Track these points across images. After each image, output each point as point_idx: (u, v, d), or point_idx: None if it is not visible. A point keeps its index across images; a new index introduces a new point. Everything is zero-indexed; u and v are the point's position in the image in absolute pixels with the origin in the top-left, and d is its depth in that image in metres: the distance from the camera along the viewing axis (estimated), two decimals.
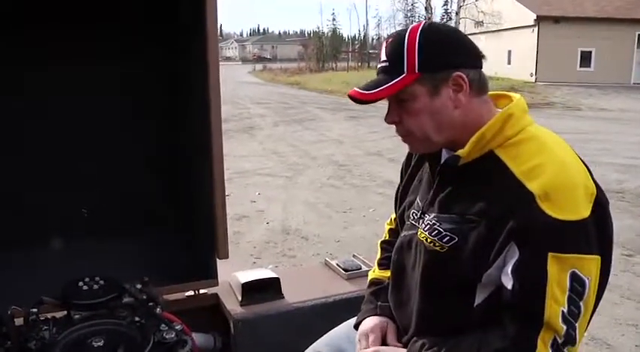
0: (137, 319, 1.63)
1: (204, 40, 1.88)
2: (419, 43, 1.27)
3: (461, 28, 30.28)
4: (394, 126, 1.36)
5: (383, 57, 1.32)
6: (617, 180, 8.58)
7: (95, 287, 1.70)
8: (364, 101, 1.31)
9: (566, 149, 1.28)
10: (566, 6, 32.03)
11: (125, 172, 2.12)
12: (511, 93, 1.40)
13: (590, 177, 1.24)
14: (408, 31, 1.30)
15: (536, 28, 31.09)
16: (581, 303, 1.15)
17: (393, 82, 1.26)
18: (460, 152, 1.28)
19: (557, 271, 1.13)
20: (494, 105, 1.36)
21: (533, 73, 31.00)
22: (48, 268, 1.86)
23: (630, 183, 8.43)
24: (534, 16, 30.79)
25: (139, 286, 1.75)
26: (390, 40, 1.33)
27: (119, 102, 2.10)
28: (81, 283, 1.71)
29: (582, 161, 1.28)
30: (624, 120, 17.26)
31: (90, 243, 2.01)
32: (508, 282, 1.17)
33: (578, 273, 1.14)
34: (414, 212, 1.45)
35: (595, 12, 31.56)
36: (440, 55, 1.29)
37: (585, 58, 31.45)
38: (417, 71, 1.26)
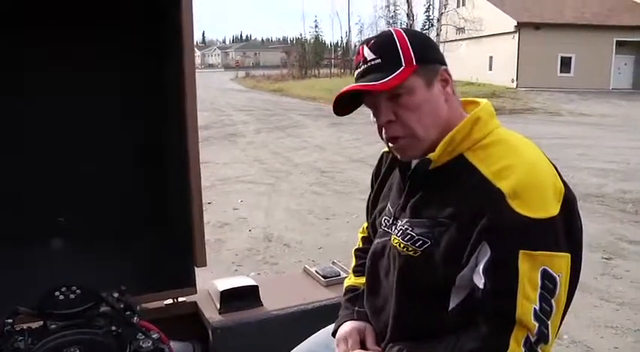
0: (114, 328, 1.62)
1: (180, 47, 1.88)
2: (409, 39, 1.30)
3: (442, 35, 30.55)
4: (377, 133, 1.36)
5: (371, 56, 1.31)
6: (597, 185, 8.67)
7: (72, 296, 1.69)
8: (357, 102, 1.35)
9: (534, 149, 1.30)
10: (546, 13, 32.43)
11: (101, 181, 2.10)
12: (478, 99, 1.43)
13: (558, 176, 1.26)
14: (392, 31, 1.34)
15: (516, 35, 31.43)
16: (552, 301, 1.16)
17: (395, 73, 1.27)
18: (431, 155, 1.30)
19: (528, 269, 1.14)
20: (463, 110, 1.38)
21: (515, 79, 31.31)
22: (24, 277, 1.84)
23: (609, 188, 8.53)
24: (515, 23, 31.15)
25: (116, 295, 1.74)
26: (374, 40, 1.34)
27: (93, 110, 2.09)
28: (57, 293, 1.69)
29: (550, 161, 1.30)
30: (604, 125, 17.47)
31: (67, 251, 1.99)
32: (480, 281, 1.18)
33: (549, 271, 1.15)
34: (385, 219, 1.46)
35: (574, 18, 31.98)
36: (429, 50, 1.34)
37: (565, 64, 31.86)
38: (414, 63, 1.28)
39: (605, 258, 5.46)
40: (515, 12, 32.02)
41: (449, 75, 1.33)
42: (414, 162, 1.37)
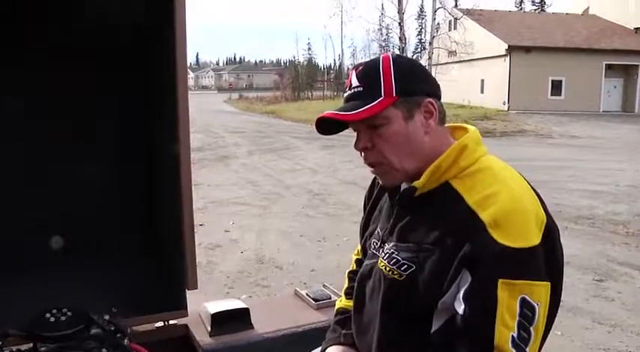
0: (104, 351, 1.62)
1: (174, 70, 1.89)
2: (394, 69, 1.32)
3: (434, 58, 30.78)
4: (362, 154, 1.38)
5: (355, 83, 1.34)
6: (588, 206, 8.72)
7: (62, 318, 1.69)
8: (341, 124, 1.36)
9: (518, 179, 1.32)
10: (537, 36, 32.79)
11: (94, 202, 2.11)
12: (466, 125, 1.44)
13: (541, 205, 1.27)
14: (381, 58, 1.35)
15: (508, 58, 31.68)
16: (531, 329, 1.17)
17: (372, 104, 1.29)
18: (416, 183, 1.32)
19: (507, 297, 1.15)
20: (451, 136, 1.40)
21: (506, 102, 31.50)
22: (14, 299, 1.83)
23: (600, 210, 8.57)
24: (506, 46, 31.40)
25: (107, 317, 1.74)
26: (362, 67, 1.36)
27: (84, 135, 2.10)
28: (48, 314, 1.69)
29: (534, 190, 1.32)
30: (594, 147, 17.60)
31: (59, 273, 1.99)
32: (459, 307, 1.20)
33: (528, 299, 1.16)
34: (374, 241, 1.48)
35: (564, 42, 32.34)
36: (413, 81, 1.34)
37: (556, 87, 32.13)
38: (394, 95, 1.30)
39: (597, 280, 5.47)
40: (506, 36, 32.34)
41: (434, 106, 1.34)
42: (403, 187, 1.39)
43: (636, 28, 34.88)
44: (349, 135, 1.45)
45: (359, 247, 1.76)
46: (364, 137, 1.35)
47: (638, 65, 32.44)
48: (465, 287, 1.19)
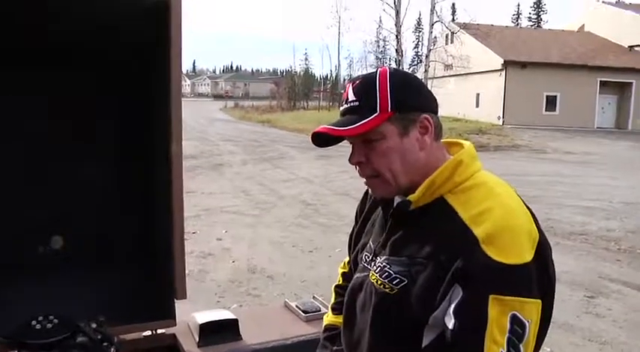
0: None
1: (167, 78, 1.89)
2: (390, 84, 1.31)
3: (430, 71, 30.89)
4: (357, 167, 1.38)
5: (351, 97, 1.33)
6: (581, 223, 8.74)
7: (48, 326, 1.67)
8: (336, 137, 1.34)
9: (512, 195, 1.31)
10: (533, 52, 33.01)
11: (83, 210, 2.09)
12: (462, 141, 1.43)
13: (534, 222, 1.27)
14: (378, 73, 1.34)
15: (503, 72, 31.86)
16: (521, 346, 1.16)
17: (367, 119, 1.28)
18: (411, 197, 1.31)
19: (498, 313, 1.14)
20: (447, 152, 1.40)
21: (501, 116, 31.64)
22: (1, 305, 1.82)
23: (593, 226, 8.59)
24: (502, 61, 31.59)
25: (94, 325, 1.72)
26: (358, 81, 1.35)
27: (77, 137, 2.08)
28: (34, 322, 1.67)
29: (527, 207, 1.31)
30: (588, 163, 17.67)
31: (46, 280, 1.97)
32: (449, 322, 1.18)
33: (519, 316, 1.15)
34: (366, 254, 1.46)
35: (560, 58, 32.58)
36: (410, 97, 1.33)
37: (551, 103, 32.34)
38: (389, 110, 1.29)
39: (588, 297, 5.48)
40: (502, 50, 32.56)
41: (430, 122, 1.33)
42: (397, 201, 1.38)
43: (630, 46, 35.22)
44: (345, 145, 1.45)
45: (346, 260, 1.75)
46: (359, 151, 1.34)
47: (632, 82, 32.75)
48: (456, 301, 1.18)
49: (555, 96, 32.22)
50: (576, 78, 31.73)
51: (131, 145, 2.14)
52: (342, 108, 1.37)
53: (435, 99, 1.40)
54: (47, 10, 1.92)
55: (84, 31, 1.96)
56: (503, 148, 21.38)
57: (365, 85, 1.33)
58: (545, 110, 32.21)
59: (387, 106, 1.29)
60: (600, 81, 32.57)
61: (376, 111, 1.29)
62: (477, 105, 34.77)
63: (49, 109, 2.03)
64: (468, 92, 35.11)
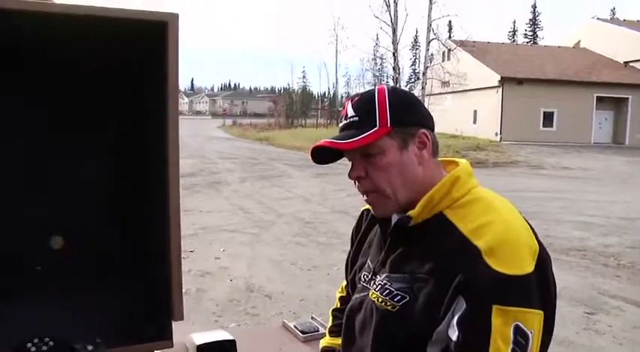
0: None
1: (165, 96, 1.88)
2: (389, 100, 1.33)
3: (428, 88, 31.05)
4: (356, 183, 1.39)
5: (351, 113, 1.36)
6: (579, 238, 8.73)
7: (44, 348, 1.65)
8: (336, 153, 1.37)
9: (511, 209, 1.32)
10: (529, 68, 33.24)
11: (78, 229, 2.08)
12: (457, 159, 1.45)
13: (533, 235, 1.27)
14: (376, 90, 1.37)
15: (500, 89, 32.01)
16: None
17: (367, 133, 1.30)
18: (411, 213, 1.31)
19: (501, 324, 1.14)
20: (443, 169, 1.41)
21: (498, 132, 31.75)
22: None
23: (591, 241, 8.58)
24: (498, 77, 31.77)
25: (90, 347, 1.70)
26: (358, 98, 1.38)
27: (63, 159, 2.08)
28: (29, 344, 1.65)
29: (526, 220, 1.32)
30: (585, 179, 17.71)
31: (42, 302, 1.95)
32: (453, 334, 1.18)
33: (522, 327, 1.15)
34: (365, 274, 1.46)
35: (556, 74, 32.79)
36: (408, 112, 1.35)
37: (548, 118, 32.49)
38: (389, 125, 1.31)
39: (588, 313, 5.45)
40: (499, 67, 32.76)
41: (428, 138, 1.35)
42: (394, 219, 1.38)
43: (625, 62, 35.45)
44: (342, 163, 1.45)
45: (343, 284, 1.75)
46: (358, 166, 1.36)
47: (628, 98, 32.92)
48: (459, 313, 1.18)
49: (552, 112, 32.38)
50: (573, 94, 31.92)
51: (126, 163, 2.13)
52: (341, 124, 1.39)
53: (432, 117, 1.44)
54: (55, 29, 1.93)
55: (84, 48, 1.96)
56: (501, 164, 21.42)
57: (364, 102, 1.36)
58: (543, 126, 32.36)
59: (387, 121, 1.31)
60: (597, 96, 32.77)
61: (376, 126, 1.31)
62: (474, 122, 34.91)
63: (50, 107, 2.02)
64: (465, 109, 35.26)
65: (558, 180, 17.24)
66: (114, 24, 1.91)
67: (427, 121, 1.38)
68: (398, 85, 23.68)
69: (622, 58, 35.75)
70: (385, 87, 1.38)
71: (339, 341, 1.60)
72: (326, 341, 1.71)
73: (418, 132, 1.34)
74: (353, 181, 1.40)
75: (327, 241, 8.51)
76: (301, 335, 2.19)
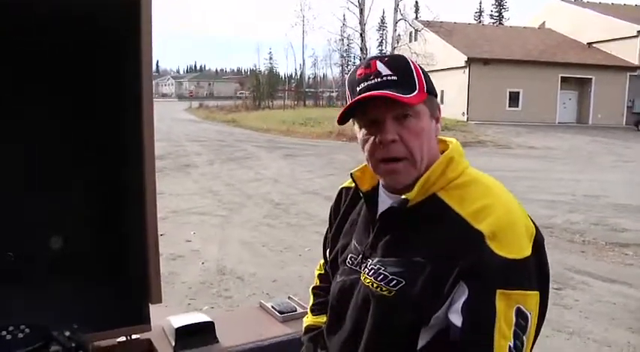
0: None
1: (139, 79, 1.85)
2: (420, 67, 1.32)
3: None
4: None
5: (386, 71, 1.27)
6: (546, 216, 8.87)
7: (20, 335, 1.62)
8: (398, 103, 1.24)
9: (506, 192, 1.32)
10: (495, 49, 33.46)
11: (53, 215, 2.05)
12: (446, 138, 1.42)
13: (528, 216, 1.28)
14: (406, 56, 1.34)
15: (467, 69, 32.20)
16: (524, 337, 1.17)
17: (414, 93, 1.25)
18: (408, 195, 1.28)
19: (505, 307, 1.15)
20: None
21: (465, 113, 31.99)
22: None
23: (558, 219, 8.75)
24: (465, 58, 31.92)
25: (67, 333, 1.68)
26: (388, 58, 1.30)
27: (46, 146, 2.04)
28: (4, 332, 1.63)
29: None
30: (551, 158, 18.00)
31: (17, 288, 1.92)
32: (457, 320, 1.18)
33: (523, 309, 1.17)
34: (352, 256, 1.43)
35: (522, 55, 33.09)
36: (433, 85, 1.34)
37: (513, 98, 32.82)
38: (425, 92, 1.29)
39: (556, 289, 5.56)
40: (465, 48, 32.92)
41: (440, 114, 1.36)
42: (384, 201, 1.37)
43: (589, 43, 35.95)
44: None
45: (321, 262, 1.72)
46: (391, 128, 1.27)
47: (591, 78, 33.41)
48: (463, 299, 1.17)
49: (518, 93, 32.72)
50: (538, 74, 32.27)
51: (101, 144, 2.09)
52: (370, 82, 1.28)
53: None
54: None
55: (55, 28, 1.91)
56: (469, 144, 21.59)
57: (399, 63, 1.30)
58: (509, 106, 32.69)
59: (424, 87, 1.29)
60: (561, 77, 33.18)
61: (416, 89, 1.27)
62: (442, 102, 34.97)
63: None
64: None
65: (525, 160, 17.48)
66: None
67: None
68: None
69: (586, 39, 36.24)
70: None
71: (322, 319, 1.59)
72: (309, 319, 1.68)
73: (439, 105, 1.35)
74: (372, 147, 1.30)
75: (298, 222, 8.52)
76: (279, 315, 2.19)
